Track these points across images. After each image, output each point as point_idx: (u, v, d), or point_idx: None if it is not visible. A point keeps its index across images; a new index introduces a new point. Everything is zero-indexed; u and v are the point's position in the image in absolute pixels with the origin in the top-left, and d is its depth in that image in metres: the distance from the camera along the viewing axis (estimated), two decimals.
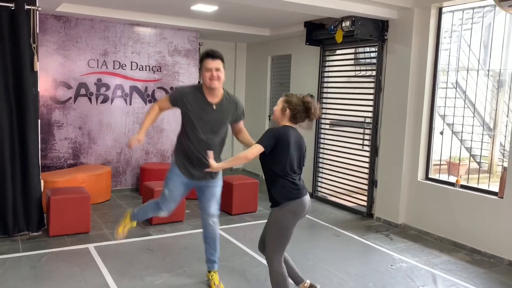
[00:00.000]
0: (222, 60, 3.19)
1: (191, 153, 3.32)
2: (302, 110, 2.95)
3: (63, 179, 5.57)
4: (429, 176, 5.27)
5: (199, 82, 7.45)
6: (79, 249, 4.34)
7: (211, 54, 3.16)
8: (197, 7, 5.72)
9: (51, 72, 6.26)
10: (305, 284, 3.32)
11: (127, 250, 4.33)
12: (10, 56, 4.35)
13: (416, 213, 5.31)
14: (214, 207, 3.51)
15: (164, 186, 3.48)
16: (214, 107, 3.26)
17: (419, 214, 5.26)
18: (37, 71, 4.50)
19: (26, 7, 4.34)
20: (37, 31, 4.47)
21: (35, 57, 4.44)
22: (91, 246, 4.40)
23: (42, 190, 4.70)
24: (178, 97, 3.31)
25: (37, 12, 4.43)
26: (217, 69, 3.14)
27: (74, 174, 5.82)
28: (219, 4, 5.52)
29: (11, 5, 4.27)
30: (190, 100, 3.24)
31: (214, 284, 3.53)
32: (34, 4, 4.41)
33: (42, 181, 4.71)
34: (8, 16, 4.29)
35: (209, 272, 3.62)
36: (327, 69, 6.68)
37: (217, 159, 3.31)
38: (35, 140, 4.56)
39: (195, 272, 3.88)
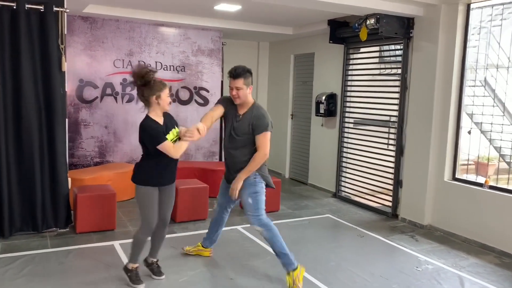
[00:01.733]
0: (244, 77, 3.45)
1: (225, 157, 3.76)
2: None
3: (90, 177, 5.68)
4: (456, 177, 5.15)
5: (222, 81, 7.50)
6: (104, 246, 4.42)
7: (232, 74, 3.48)
8: (221, 7, 5.74)
9: (78, 72, 6.40)
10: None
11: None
12: (39, 57, 4.46)
13: (442, 214, 5.20)
14: (246, 215, 3.67)
15: None
16: (240, 117, 3.56)
17: (446, 215, 5.15)
18: (64, 72, 4.60)
19: (55, 9, 4.45)
20: (65, 32, 4.57)
21: (63, 57, 4.54)
22: (116, 243, 4.48)
23: (69, 187, 4.81)
24: (224, 99, 3.73)
25: (65, 13, 4.53)
26: (237, 88, 3.44)
27: (100, 172, 5.93)
28: (243, 3, 5.53)
29: (41, 7, 4.38)
30: (228, 106, 3.61)
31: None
32: (62, 6, 4.52)
33: (69, 179, 4.83)
34: (37, 18, 4.41)
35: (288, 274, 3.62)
36: (351, 67, 6.61)
37: (238, 170, 3.59)
38: (63, 139, 4.67)
39: (218, 271, 3.90)
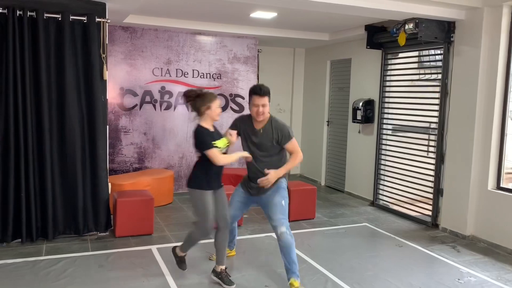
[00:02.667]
0: (268, 95, 3.59)
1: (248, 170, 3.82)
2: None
3: (129, 182, 5.82)
4: (501, 185, 4.93)
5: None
6: (142, 250, 4.51)
7: (258, 92, 3.56)
8: (256, 14, 5.79)
9: (118, 81, 6.60)
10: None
11: (188, 253, 4.43)
12: (82, 66, 4.64)
13: (486, 224, 4.98)
14: (274, 217, 3.62)
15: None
16: (261, 131, 3.67)
17: (490, 225, 4.93)
18: (106, 80, 4.76)
19: (97, 19, 4.62)
20: (107, 42, 4.73)
21: (105, 66, 4.70)
22: (153, 248, 4.56)
23: (109, 192, 4.95)
24: (234, 123, 3.87)
25: (107, 24, 4.70)
26: (263, 105, 3.55)
27: (139, 177, 6.07)
28: (278, 10, 5.55)
29: (84, 18, 4.56)
30: (242, 126, 3.77)
31: None
32: (104, 17, 4.68)
33: (109, 184, 4.97)
34: (81, 28, 4.59)
35: (289, 280, 3.65)
36: (389, 73, 6.49)
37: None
38: (104, 145, 4.82)
39: (252, 277, 3.89)
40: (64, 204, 4.69)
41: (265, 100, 3.55)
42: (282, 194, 3.68)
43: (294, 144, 3.67)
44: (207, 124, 3.54)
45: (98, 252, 4.40)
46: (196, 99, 3.52)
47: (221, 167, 3.60)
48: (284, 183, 3.74)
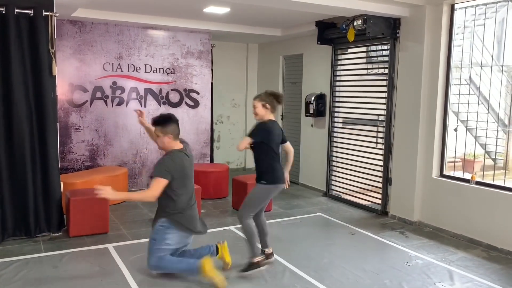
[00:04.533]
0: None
1: None
2: (274, 100, 3.89)
3: (81, 180, 5.67)
4: (444, 173, 5.26)
5: (212, 83, 7.55)
6: (98, 249, 4.43)
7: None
8: (209, 9, 5.79)
9: (68, 76, 6.39)
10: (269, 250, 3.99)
11: (146, 249, 4.40)
12: (29, 62, 4.47)
13: (431, 210, 5.30)
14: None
15: None
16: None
17: (434, 211, 5.25)
18: (55, 76, 4.61)
19: (44, 13, 4.46)
20: (55, 37, 4.57)
21: (53, 62, 4.55)
22: (110, 246, 4.50)
23: (61, 191, 4.81)
24: None
25: (55, 18, 4.54)
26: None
27: (91, 175, 5.93)
28: (231, 5, 5.58)
29: (30, 11, 4.38)
30: None
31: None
32: (52, 10, 4.52)
33: (61, 183, 4.83)
34: (27, 22, 4.41)
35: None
36: (339, 67, 6.70)
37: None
38: (55, 143, 4.68)
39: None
40: (13, 205, 4.52)
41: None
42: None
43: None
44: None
45: (52, 253, 4.28)
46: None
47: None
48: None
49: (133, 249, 4.44)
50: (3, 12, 4.27)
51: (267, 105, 3.84)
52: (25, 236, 4.61)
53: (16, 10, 4.32)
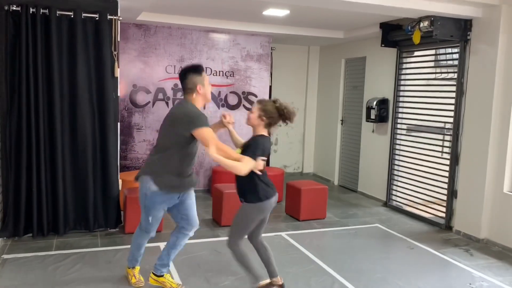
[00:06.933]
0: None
1: None
2: (277, 117, 3.22)
3: None
4: None
5: (270, 86, 7.50)
6: (151, 247, 4.50)
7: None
8: (269, 12, 5.74)
9: (132, 78, 6.64)
10: (279, 281, 3.41)
11: (195, 251, 4.44)
12: (93, 63, 4.67)
13: (501, 228, 4.86)
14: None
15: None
16: None
17: (505, 229, 4.81)
18: (117, 77, 4.78)
19: (109, 17, 4.64)
20: (118, 39, 4.75)
21: (116, 64, 4.72)
22: (162, 245, 4.54)
23: (120, 189, 4.98)
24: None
25: (118, 21, 4.72)
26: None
27: None
28: (291, 8, 5.49)
29: (95, 15, 4.58)
30: None
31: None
32: (116, 14, 4.70)
33: (120, 181, 5.00)
34: (92, 25, 4.62)
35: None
36: (404, 71, 6.37)
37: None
38: (115, 142, 4.85)
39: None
40: (75, 200, 4.74)
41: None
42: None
43: None
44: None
45: (107, 248, 4.43)
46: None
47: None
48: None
49: (183, 249, 4.46)
50: (72, 16, 4.50)
51: (264, 118, 3.20)
52: (84, 230, 4.83)
53: (83, 15, 4.54)
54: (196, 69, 3.33)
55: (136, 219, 4.79)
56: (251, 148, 3.20)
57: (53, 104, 4.52)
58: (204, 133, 3.14)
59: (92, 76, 4.68)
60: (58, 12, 4.44)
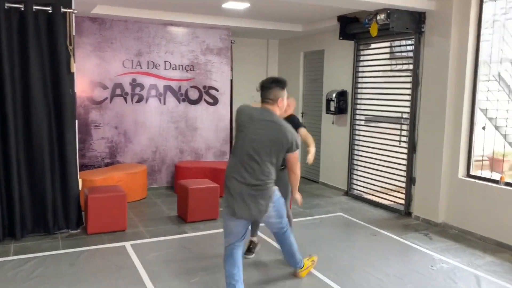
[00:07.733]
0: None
1: None
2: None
3: (100, 177, 5.68)
4: (471, 173, 5.05)
5: (231, 80, 7.47)
6: (116, 246, 4.41)
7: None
8: (229, 5, 5.70)
9: (87, 73, 6.40)
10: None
11: (163, 248, 4.38)
12: (47, 59, 4.47)
13: (457, 212, 5.10)
14: None
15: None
16: None
17: (460, 212, 5.05)
18: (73, 73, 4.60)
19: (62, 10, 4.45)
20: (73, 34, 4.56)
21: (72, 59, 4.54)
22: (127, 244, 4.47)
23: (80, 188, 4.81)
24: None
25: (73, 14, 4.53)
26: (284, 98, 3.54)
27: (111, 172, 5.93)
28: (251, 1, 5.48)
29: (48, 8, 4.38)
30: None
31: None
32: (70, 7, 4.51)
33: (80, 180, 4.83)
34: (45, 19, 4.41)
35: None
36: (361, 63, 6.53)
37: None
38: (73, 140, 4.67)
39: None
40: (32, 203, 4.54)
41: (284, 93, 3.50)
42: None
43: None
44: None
45: (70, 250, 4.27)
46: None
47: None
48: None
49: (150, 247, 4.40)
50: (22, 9, 4.28)
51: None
52: (43, 233, 4.63)
53: (34, 7, 4.32)
54: (282, 83, 3.45)
55: (98, 219, 4.68)
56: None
57: (5, 102, 4.29)
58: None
59: (47, 72, 4.48)
60: (7, 5, 4.21)
